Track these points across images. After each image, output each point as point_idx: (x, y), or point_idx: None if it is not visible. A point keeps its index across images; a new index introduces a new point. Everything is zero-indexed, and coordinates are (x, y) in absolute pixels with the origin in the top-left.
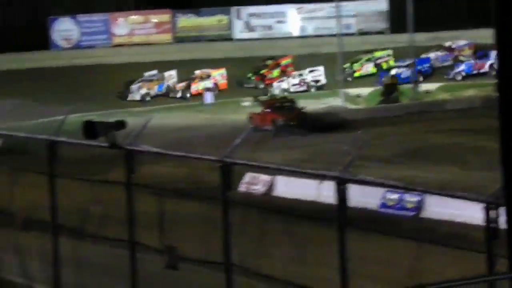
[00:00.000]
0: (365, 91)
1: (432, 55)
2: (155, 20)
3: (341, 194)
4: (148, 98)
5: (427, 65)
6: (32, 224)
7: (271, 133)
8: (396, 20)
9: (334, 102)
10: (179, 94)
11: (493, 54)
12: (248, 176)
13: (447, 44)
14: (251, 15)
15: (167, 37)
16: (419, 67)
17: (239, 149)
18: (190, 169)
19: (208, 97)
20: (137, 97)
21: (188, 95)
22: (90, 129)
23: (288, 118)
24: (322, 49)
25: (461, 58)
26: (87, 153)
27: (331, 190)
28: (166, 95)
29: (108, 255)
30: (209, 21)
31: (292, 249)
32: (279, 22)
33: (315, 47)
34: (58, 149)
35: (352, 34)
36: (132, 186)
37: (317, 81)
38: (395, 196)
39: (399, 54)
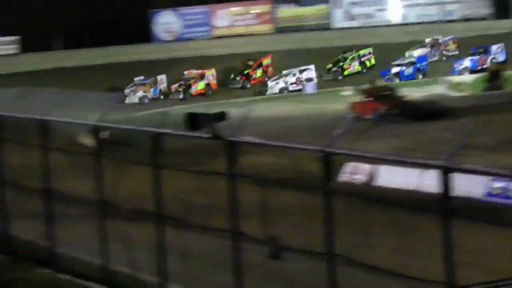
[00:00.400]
0: (467, 78)
1: (419, 51)
2: (256, 11)
3: (446, 183)
4: (146, 101)
5: (425, 63)
6: (138, 215)
7: (373, 122)
8: (501, 6)
9: (436, 90)
10: (181, 96)
11: (493, 49)
12: (349, 166)
13: (427, 40)
14: (351, 3)
15: (267, 27)
16: (417, 65)
17: (340, 139)
18: (291, 159)
19: (309, 87)
20: (136, 100)
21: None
22: (193, 120)
23: (389, 106)
24: (423, 37)
25: (445, 53)
26: (190, 144)
27: (433, 179)
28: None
29: (212, 245)
30: (309, 11)
31: (395, 239)
32: (379, 10)
33: (416, 35)
34: (162, 141)
35: (454, 21)
36: (234, 177)
37: (309, 79)
38: (500, 184)
39: (501, 40)
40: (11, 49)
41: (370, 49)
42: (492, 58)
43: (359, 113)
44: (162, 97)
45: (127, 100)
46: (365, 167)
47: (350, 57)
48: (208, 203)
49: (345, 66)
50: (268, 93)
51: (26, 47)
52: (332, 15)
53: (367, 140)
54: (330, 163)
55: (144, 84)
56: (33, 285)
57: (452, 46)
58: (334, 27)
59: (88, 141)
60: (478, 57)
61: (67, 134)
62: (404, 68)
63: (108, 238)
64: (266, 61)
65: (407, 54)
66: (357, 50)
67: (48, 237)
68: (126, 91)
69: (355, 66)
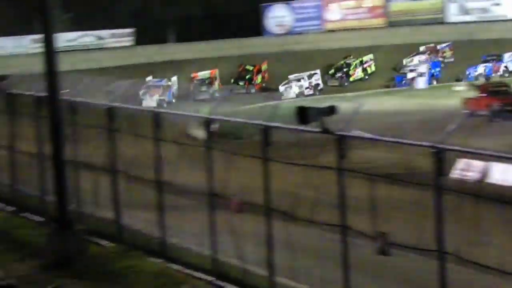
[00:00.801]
0: None
1: (422, 57)
2: (368, 5)
3: None
4: (164, 105)
5: (438, 69)
6: (246, 207)
7: (487, 118)
8: None
9: None
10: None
11: (507, 56)
12: (461, 163)
13: (421, 48)
14: None
15: (379, 21)
16: (432, 71)
17: (452, 135)
18: (402, 154)
19: (420, 82)
20: (153, 103)
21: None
22: (303, 114)
23: (504, 102)
24: None
25: (440, 59)
26: (298, 138)
27: None
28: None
29: (319, 239)
30: (422, 5)
31: (508, 238)
32: (495, 4)
33: None
34: (271, 134)
35: None
36: (343, 171)
37: (317, 85)
38: None
39: None
40: (127, 41)
41: (371, 56)
42: None
43: (473, 109)
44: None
45: (144, 104)
46: (478, 164)
47: (354, 63)
48: (316, 197)
49: (350, 72)
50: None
51: (141, 39)
52: (446, 9)
53: (480, 137)
54: (442, 159)
55: (158, 87)
56: (145, 274)
57: (448, 52)
58: (448, 21)
59: (198, 133)
60: (492, 64)
61: (178, 126)
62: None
63: (217, 229)
64: (264, 66)
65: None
66: (469, 45)
67: (159, 227)
68: (141, 92)
69: (359, 73)
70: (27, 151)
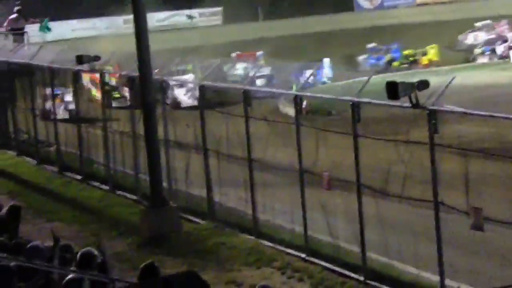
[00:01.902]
0: None
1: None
2: None
3: None
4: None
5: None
6: (336, 183)
7: None
8: None
9: None
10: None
11: None
12: None
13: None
14: None
15: None
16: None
17: None
18: (495, 128)
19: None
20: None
21: None
22: (393, 89)
23: None
24: None
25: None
26: (389, 113)
27: None
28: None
29: (411, 214)
30: None
31: None
32: None
33: None
34: (361, 110)
35: None
36: (435, 146)
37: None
38: None
39: None
40: (215, 20)
41: None
42: None
43: None
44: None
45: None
46: None
47: None
48: (407, 173)
49: None
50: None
51: (229, 18)
52: None
53: None
54: None
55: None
56: (237, 251)
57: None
58: None
59: (288, 110)
60: None
61: (269, 103)
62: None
63: (308, 206)
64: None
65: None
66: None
67: (251, 204)
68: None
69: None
70: (120, 131)
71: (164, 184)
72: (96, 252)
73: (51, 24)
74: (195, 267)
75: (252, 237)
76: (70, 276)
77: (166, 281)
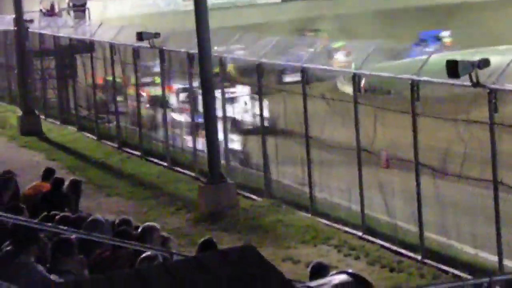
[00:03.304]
0: None
1: None
2: None
3: None
4: None
5: None
6: (395, 162)
7: None
8: None
9: None
10: None
11: None
12: None
13: None
14: None
15: None
16: None
17: None
18: None
19: None
20: None
21: None
22: (453, 68)
23: None
24: None
25: None
26: (449, 92)
27: None
28: None
29: (469, 194)
30: None
31: None
32: None
33: None
34: (420, 88)
35: None
36: (495, 125)
37: None
38: None
39: None
40: None
41: None
42: None
43: None
44: None
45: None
46: None
47: None
48: (467, 152)
49: None
50: None
51: None
52: None
53: None
54: None
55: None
56: (294, 228)
57: None
58: None
59: (346, 88)
60: None
61: (328, 81)
62: None
63: (365, 184)
64: None
65: None
66: None
67: (308, 182)
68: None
69: None
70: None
71: (222, 161)
72: (157, 226)
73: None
74: (251, 243)
75: (309, 215)
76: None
77: (223, 255)
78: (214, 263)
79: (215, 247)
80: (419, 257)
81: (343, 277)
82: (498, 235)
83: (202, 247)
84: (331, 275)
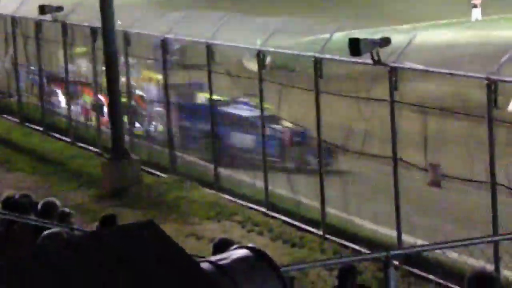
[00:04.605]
0: None
1: None
2: None
3: None
4: None
5: None
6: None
7: None
8: None
9: None
10: None
11: None
12: None
13: None
14: None
15: None
16: None
17: (509, 67)
18: (456, 86)
19: (475, 14)
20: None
21: None
22: (355, 46)
23: None
24: None
25: None
26: (351, 70)
27: None
28: None
29: (371, 170)
30: None
31: None
32: None
33: None
34: (323, 66)
35: None
36: (395, 103)
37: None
38: None
39: None
40: None
41: None
42: None
43: None
44: None
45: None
46: None
47: None
48: (368, 130)
49: None
50: None
51: None
52: None
53: None
54: (495, 91)
55: None
56: (198, 204)
57: None
58: None
59: (252, 65)
60: None
61: (233, 57)
62: None
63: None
64: None
65: None
66: None
67: (213, 159)
68: None
69: None
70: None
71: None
72: (57, 202)
73: None
74: (155, 219)
75: (213, 192)
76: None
77: (122, 230)
78: (112, 238)
79: (115, 223)
80: (320, 233)
81: (243, 252)
82: (397, 210)
83: (103, 222)
84: (231, 250)
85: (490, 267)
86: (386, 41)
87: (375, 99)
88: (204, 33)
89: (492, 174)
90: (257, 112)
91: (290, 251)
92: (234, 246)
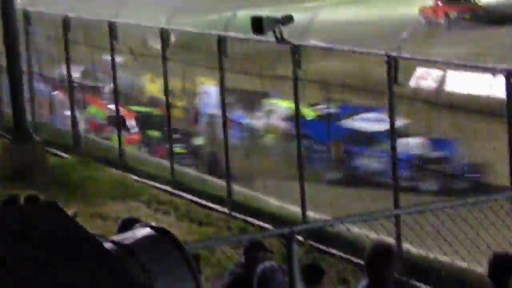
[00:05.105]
0: None
1: None
2: None
3: (510, 87)
4: None
5: None
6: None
7: (444, 27)
8: None
9: None
10: None
11: None
12: (419, 71)
13: None
14: None
15: None
16: None
17: (410, 44)
18: (358, 63)
19: None
20: None
21: None
22: (258, 24)
23: (462, 10)
24: None
25: None
26: (256, 48)
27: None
28: None
29: (276, 148)
30: None
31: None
32: None
33: None
34: (227, 44)
35: None
36: (298, 81)
37: None
38: None
39: None
40: None
41: None
42: None
43: (430, 17)
44: None
45: None
46: (435, 72)
47: None
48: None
49: None
50: None
51: None
52: None
53: (437, 46)
54: (395, 67)
55: None
56: (104, 184)
57: None
58: None
59: (155, 43)
60: None
61: (137, 36)
62: None
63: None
64: None
65: None
66: None
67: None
68: None
69: None
70: None
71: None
72: None
73: None
74: (59, 200)
75: (119, 171)
76: None
77: (23, 211)
78: (12, 219)
79: (18, 205)
80: (227, 210)
81: (146, 231)
82: (302, 186)
83: (5, 204)
84: (134, 229)
85: (391, 241)
86: (288, 19)
87: (278, 76)
88: (107, 12)
89: (393, 148)
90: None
91: (197, 229)
92: (137, 225)
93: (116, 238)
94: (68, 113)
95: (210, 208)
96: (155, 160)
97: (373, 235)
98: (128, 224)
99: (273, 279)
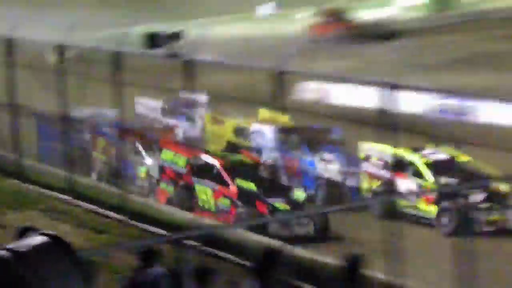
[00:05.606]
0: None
1: None
2: None
3: (386, 99)
4: None
5: None
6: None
7: (327, 43)
8: None
9: (389, 11)
10: None
11: None
12: (301, 85)
13: None
14: None
15: None
16: None
17: (296, 59)
18: (247, 78)
19: (265, 8)
20: None
21: None
22: (151, 40)
23: (343, 28)
24: None
25: None
26: (151, 63)
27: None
28: None
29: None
30: None
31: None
32: None
33: None
34: (122, 59)
35: None
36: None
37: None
38: (440, 101)
39: None
40: None
41: None
42: None
43: (314, 34)
44: None
45: None
46: (316, 85)
47: None
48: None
49: None
50: None
51: None
52: None
53: (320, 61)
54: (281, 81)
55: None
56: (2, 194)
57: None
58: None
59: (53, 58)
60: None
61: (34, 51)
62: None
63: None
64: None
65: None
66: None
67: (16, 150)
68: None
69: None
70: None
71: None
72: None
73: None
74: None
75: (17, 181)
76: None
77: None
78: None
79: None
80: (123, 218)
81: (40, 238)
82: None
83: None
84: (29, 237)
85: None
86: (176, 35)
87: (171, 89)
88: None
89: None
90: None
91: (94, 236)
92: (31, 234)
93: (10, 245)
94: None
95: (107, 216)
96: (54, 170)
97: (264, 240)
98: (24, 232)
99: (161, 284)
